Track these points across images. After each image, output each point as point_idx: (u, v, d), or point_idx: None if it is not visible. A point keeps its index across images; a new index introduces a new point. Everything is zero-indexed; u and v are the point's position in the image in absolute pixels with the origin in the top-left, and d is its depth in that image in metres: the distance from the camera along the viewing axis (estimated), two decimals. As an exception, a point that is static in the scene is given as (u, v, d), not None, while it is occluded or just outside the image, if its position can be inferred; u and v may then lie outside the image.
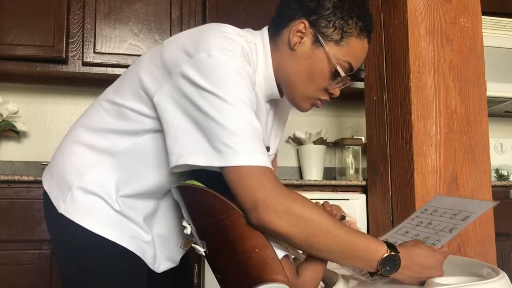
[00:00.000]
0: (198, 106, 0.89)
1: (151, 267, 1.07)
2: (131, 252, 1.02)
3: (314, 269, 0.94)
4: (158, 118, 0.96)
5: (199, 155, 0.89)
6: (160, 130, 0.97)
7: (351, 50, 1.02)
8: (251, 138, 0.88)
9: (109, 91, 1.06)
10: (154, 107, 0.96)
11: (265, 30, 1.09)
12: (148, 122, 0.98)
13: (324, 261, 0.95)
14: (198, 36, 0.95)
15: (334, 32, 1.01)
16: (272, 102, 1.15)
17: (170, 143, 0.92)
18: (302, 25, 1.02)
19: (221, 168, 0.88)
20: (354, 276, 1.02)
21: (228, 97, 0.88)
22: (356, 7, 1.02)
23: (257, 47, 1.05)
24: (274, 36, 1.06)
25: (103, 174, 1.01)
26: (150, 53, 1.02)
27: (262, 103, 1.08)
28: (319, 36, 1.01)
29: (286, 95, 1.10)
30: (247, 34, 1.04)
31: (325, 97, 1.07)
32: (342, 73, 1.02)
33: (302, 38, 1.02)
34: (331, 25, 1.01)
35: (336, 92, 1.07)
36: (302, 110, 1.10)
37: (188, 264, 1.27)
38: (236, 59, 0.92)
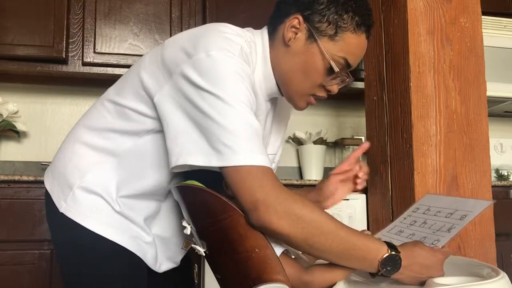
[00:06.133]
0: (198, 106, 0.89)
1: (152, 267, 1.07)
2: (131, 252, 1.02)
3: (329, 272, 0.93)
4: (158, 119, 0.96)
5: (199, 155, 0.88)
6: (161, 131, 0.96)
7: (346, 45, 1.00)
8: (250, 138, 0.88)
9: (111, 91, 1.06)
10: (154, 107, 0.96)
11: (265, 28, 1.09)
12: (149, 123, 0.98)
13: (344, 272, 0.94)
14: (198, 36, 0.95)
15: (328, 27, 0.99)
16: (273, 101, 1.14)
17: (170, 143, 0.92)
18: (296, 20, 1.01)
19: (221, 168, 0.88)
20: (354, 276, 1.02)
21: (227, 97, 0.88)
22: (353, 1, 1.00)
23: (257, 46, 1.04)
24: (272, 33, 1.06)
25: (104, 174, 1.01)
26: (151, 54, 1.02)
27: (262, 103, 1.07)
28: (312, 31, 1.00)
29: (283, 93, 1.09)
30: (247, 33, 1.03)
31: (322, 93, 1.06)
32: (336, 69, 1.00)
33: (296, 33, 1.01)
34: (325, 20, 0.99)
35: (334, 89, 1.05)
36: (298, 108, 1.09)
37: (189, 264, 1.27)
38: (235, 59, 0.92)
